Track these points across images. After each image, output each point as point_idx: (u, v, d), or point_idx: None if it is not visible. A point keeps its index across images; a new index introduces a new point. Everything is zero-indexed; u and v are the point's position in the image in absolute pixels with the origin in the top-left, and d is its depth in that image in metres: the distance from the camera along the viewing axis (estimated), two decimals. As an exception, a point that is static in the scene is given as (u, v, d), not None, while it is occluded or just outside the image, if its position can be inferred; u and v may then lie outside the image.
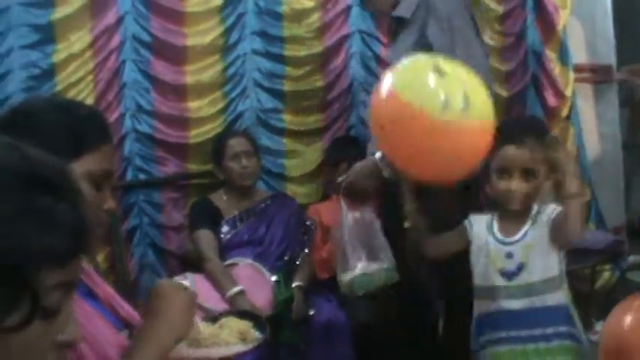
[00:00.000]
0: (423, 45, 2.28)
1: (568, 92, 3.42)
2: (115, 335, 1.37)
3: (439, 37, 2.30)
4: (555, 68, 3.42)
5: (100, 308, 1.34)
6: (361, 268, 2.30)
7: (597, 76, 3.69)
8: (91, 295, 1.31)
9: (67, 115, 1.21)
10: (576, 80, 3.49)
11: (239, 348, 1.46)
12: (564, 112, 3.45)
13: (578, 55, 3.58)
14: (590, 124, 3.67)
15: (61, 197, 0.73)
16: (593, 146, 3.67)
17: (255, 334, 1.50)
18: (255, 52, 3.18)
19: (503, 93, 3.41)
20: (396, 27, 2.50)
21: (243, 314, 1.61)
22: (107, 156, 1.25)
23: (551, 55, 3.42)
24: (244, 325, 1.50)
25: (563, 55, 3.42)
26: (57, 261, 0.72)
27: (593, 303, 3.28)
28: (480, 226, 2.10)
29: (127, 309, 1.47)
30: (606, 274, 3.56)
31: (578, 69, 3.53)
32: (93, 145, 1.21)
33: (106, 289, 1.44)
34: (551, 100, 3.44)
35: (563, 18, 3.39)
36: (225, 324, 1.44)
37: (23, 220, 0.69)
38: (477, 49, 2.38)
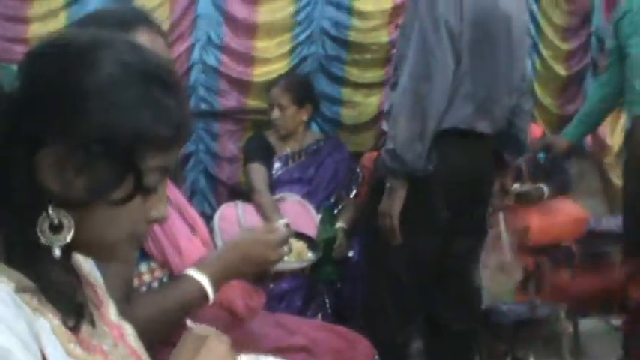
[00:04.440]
0: None
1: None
2: (186, 229, 1.51)
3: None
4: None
5: (171, 207, 1.48)
6: None
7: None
8: (165, 195, 1.45)
9: None
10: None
11: (294, 265, 1.59)
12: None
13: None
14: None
15: (171, 94, 0.83)
16: None
17: (309, 254, 1.62)
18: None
19: (562, 71, 3.46)
20: None
21: (299, 235, 1.73)
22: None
23: (612, 42, 3.45)
24: (300, 245, 1.63)
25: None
26: (161, 148, 0.82)
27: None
28: None
29: (192, 214, 1.61)
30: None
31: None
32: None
33: (176, 194, 1.58)
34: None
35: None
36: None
37: (140, 110, 0.80)
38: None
